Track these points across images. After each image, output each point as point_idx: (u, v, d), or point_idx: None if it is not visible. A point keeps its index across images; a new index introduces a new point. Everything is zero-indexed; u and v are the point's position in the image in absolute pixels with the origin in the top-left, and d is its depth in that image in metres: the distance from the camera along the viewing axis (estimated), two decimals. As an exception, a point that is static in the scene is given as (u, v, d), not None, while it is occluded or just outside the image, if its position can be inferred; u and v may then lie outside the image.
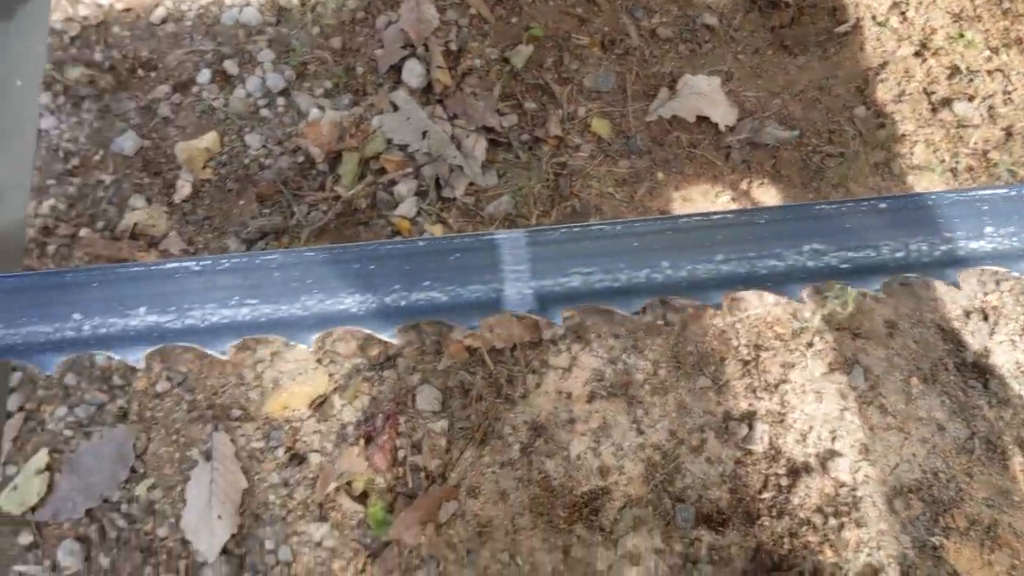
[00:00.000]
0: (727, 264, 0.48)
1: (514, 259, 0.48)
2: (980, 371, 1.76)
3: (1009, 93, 2.07)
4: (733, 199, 1.90)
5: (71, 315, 0.46)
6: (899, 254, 0.49)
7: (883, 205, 0.51)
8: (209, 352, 0.46)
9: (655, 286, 0.49)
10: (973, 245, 0.48)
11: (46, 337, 0.45)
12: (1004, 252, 0.48)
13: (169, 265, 0.47)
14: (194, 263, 0.47)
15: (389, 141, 1.94)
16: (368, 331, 0.48)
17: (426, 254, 0.49)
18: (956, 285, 0.47)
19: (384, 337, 0.48)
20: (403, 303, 0.48)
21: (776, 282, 0.49)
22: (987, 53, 2.12)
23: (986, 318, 1.81)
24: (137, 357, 0.46)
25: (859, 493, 1.63)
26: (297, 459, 1.65)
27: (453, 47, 2.06)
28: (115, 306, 0.46)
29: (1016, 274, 0.48)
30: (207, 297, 0.47)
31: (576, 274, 0.48)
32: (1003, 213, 0.48)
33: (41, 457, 1.64)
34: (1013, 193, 0.50)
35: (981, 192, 0.50)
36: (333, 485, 1.62)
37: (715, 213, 0.50)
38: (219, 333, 0.47)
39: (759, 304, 1.79)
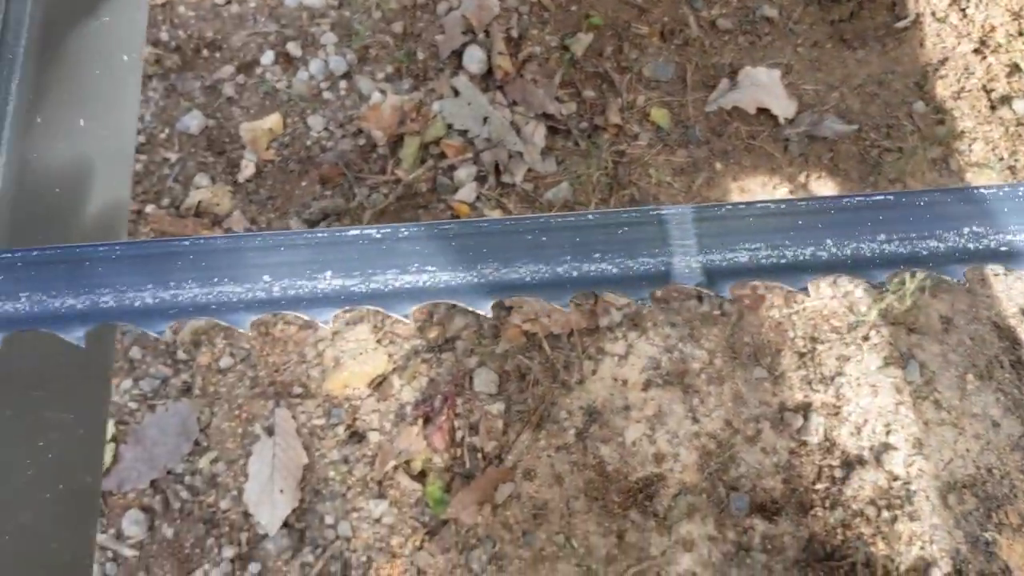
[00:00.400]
0: (889, 244, 0.50)
1: (681, 234, 0.49)
2: (1036, 370, 1.76)
3: (1068, 93, 2.07)
4: (791, 192, 1.91)
5: (261, 277, 0.48)
6: (1060, 240, 0.49)
7: (1044, 191, 0.52)
8: (392, 315, 0.48)
9: (820, 263, 0.50)
10: None
11: (238, 297, 0.48)
12: None
13: (351, 232, 0.49)
14: (375, 231, 0.49)
15: (450, 126, 1.96)
16: (543, 300, 0.50)
17: (595, 227, 0.50)
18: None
19: (558, 305, 0.50)
20: (575, 274, 0.50)
21: (937, 263, 0.50)
22: (1047, 52, 2.12)
23: (1042, 317, 1.81)
24: (326, 318, 0.48)
25: (913, 487, 1.64)
26: (357, 437, 1.68)
27: (514, 34, 2.07)
28: (301, 269, 0.48)
29: None
30: (389, 263, 0.48)
31: (743, 250, 0.50)
32: None
33: (107, 428, 1.67)
34: None
35: None
36: (392, 463, 1.65)
37: (876, 194, 0.52)
38: (401, 297, 0.49)
39: (816, 297, 1.80)
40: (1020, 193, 0.51)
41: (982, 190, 0.51)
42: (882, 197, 0.52)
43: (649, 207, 0.51)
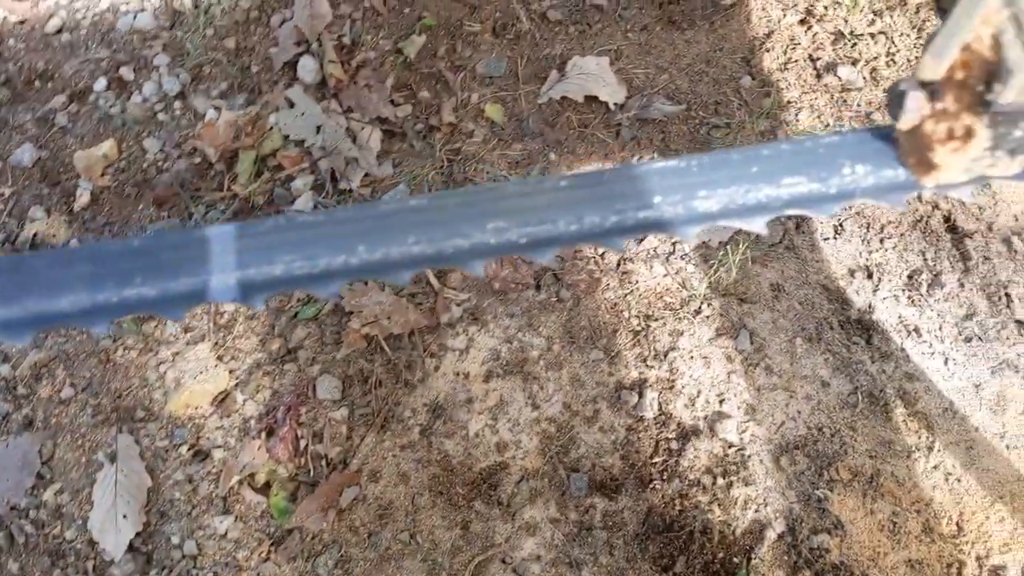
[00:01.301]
0: (417, 246, 0.53)
1: (223, 251, 0.52)
2: (864, 327, 1.82)
3: (892, 55, 2.13)
4: (622, 176, 1.95)
5: None
6: (573, 227, 0.53)
7: (563, 183, 0.55)
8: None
9: (351, 269, 0.53)
10: (641, 215, 0.53)
11: None
12: (668, 219, 0.53)
13: None
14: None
15: (286, 137, 1.97)
16: (81, 328, 0.52)
17: (141, 253, 0.53)
18: (621, 250, 0.53)
19: (95, 331, 0.52)
20: (115, 299, 0.52)
21: (461, 259, 0.54)
22: (871, 16, 2.18)
23: (870, 276, 1.88)
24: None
25: (747, 452, 1.69)
26: (201, 455, 1.69)
27: (347, 41, 2.08)
28: None
29: (679, 239, 0.53)
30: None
31: (280, 262, 0.52)
32: (671, 188, 0.54)
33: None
34: (683, 165, 0.55)
35: (652, 166, 0.55)
36: (236, 478, 1.66)
37: (412, 199, 0.55)
38: None
39: (650, 276, 1.84)
40: (547, 187, 0.54)
41: (511, 187, 0.54)
42: (416, 202, 0.55)
43: (195, 228, 0.53)
